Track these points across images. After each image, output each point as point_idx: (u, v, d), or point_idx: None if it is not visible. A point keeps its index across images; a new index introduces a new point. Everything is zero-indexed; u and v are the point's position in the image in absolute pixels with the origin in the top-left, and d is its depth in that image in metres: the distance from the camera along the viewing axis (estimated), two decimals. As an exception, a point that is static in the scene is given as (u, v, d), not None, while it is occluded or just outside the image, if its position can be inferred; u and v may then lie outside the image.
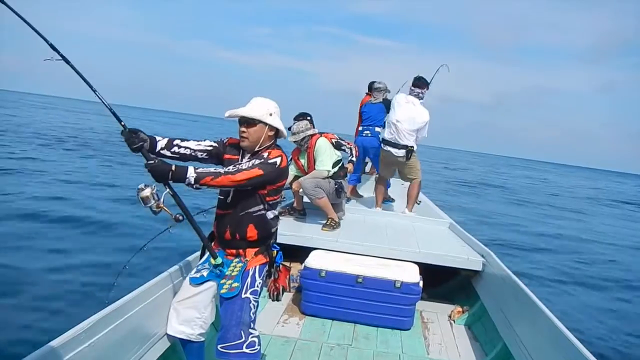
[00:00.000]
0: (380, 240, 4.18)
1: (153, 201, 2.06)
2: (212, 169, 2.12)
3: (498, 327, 3.20)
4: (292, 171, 4.47)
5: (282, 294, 2.50)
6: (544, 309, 2.61)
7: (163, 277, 2.49)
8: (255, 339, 2.23)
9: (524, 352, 2.67)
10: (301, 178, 4.31)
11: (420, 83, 5.39)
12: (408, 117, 5.24)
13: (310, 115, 4.52)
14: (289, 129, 4.27)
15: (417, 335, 3.41)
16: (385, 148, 5.43)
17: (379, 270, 3.44)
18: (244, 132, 2.28)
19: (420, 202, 6.73)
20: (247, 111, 2.27)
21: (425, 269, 3.72)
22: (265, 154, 2.26)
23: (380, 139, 5.71)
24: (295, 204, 4.73)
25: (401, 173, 5.79)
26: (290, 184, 4.36)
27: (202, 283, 2.31)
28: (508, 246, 9.81)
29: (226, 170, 2.13)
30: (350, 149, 4.74)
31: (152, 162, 2.05)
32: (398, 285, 3.35)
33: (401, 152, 5.33)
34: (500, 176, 37.97)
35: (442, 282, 4.28)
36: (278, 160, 2.25)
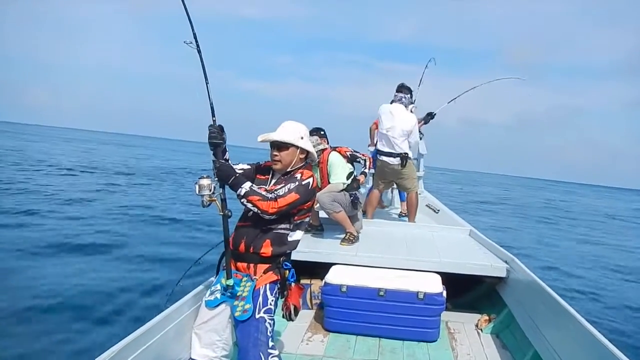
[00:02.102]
0: (400, 251, 4.13)
1: (208, 192, 2.20)
2: (263, 192, 2.25)
3: (527, 334, 3.12)
4: None
5: (296, 313, 2.46)
6: (574, 313, 2.54)
7: (185, 301, 2.51)
8: (276, 359, 2.22)
9: (556, 358, 2.60)
10: (316, 193, 4.31)
11: (402, 89, 5.47)
12: (396, 124, 5.27)
13: (323, 130, 4.54)
14: None
15: (445, 346, 3.34)
16: (380, 158, 5.44)
17: (400, 282, 3.40)
18: (276, 155, 2.36)
19: (438, 210, 6.65)
20: (279, 135, 2.36)
21: (448, 278, 3.66)
22: (298, 175, 2.33)
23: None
24: (311, 220, 4.73)
25: (399, 185, 5.77)
26: None
27: (217, 306, 2.33)
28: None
29: (270, 196, 2.21)
30: (365, 160, 4.73)
31: (223, 162, 2.26)
32: (421, 296, 3.30)
33: (396, 160, 5.35)
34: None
35: (466, 291, 4.20)
36: (310, 180, 2.33)
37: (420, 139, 6.47)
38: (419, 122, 5.93)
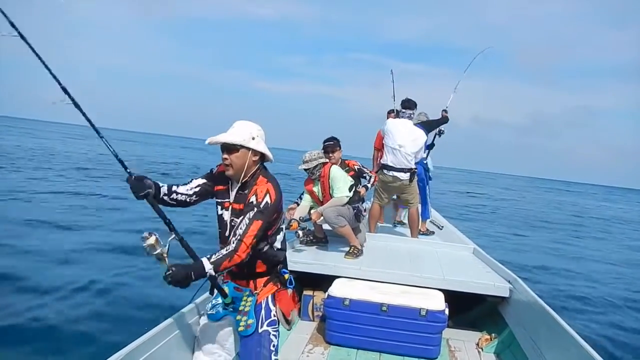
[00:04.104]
0: (403, 267, 4.15)
1: (159, 249, 1.98)
2: (223, 251, 2.05)
3: (528, 356, 3.12)
4: (307, 202, 4.52)
5: (288, 322, 2.37)
6: (576, 337, 2.55)
7: (186, 311, 2.54)
8: None
9: None
10: (320, 208, 4.33)
11: (409, 104, 5.49)
12: (408, 141, 5.33)
13: (337, 139, 4.66)
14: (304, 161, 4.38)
15: None
16: (389, 173, 5.45)
17: (403, 298, 3.41)
18: (226, 159, 2.17)
19: (442, 227, 6.67)
20: (228, 137, 2.15)
21: (451, 296, 3.66)
22: (252, 198, 2.15)
23: (381, 164, 5.60)
24: (316, 232, 4.75)
25: (402, 199, 5.84)
26: (308, 214, 4.42)
27: (219, 319, 2.33)
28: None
29: (233, 246, 2.06)
30: (371, 177, 4.78)
31: (170, 272, 1.95)
32: (423, 313, 3.31)
33: (406, 176, 5.40)
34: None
35: (468, 309, 4.20)
36: (268, 198, 2.14)
37: (442, 134, 6.32)
38: (438, 126, 6.07)
